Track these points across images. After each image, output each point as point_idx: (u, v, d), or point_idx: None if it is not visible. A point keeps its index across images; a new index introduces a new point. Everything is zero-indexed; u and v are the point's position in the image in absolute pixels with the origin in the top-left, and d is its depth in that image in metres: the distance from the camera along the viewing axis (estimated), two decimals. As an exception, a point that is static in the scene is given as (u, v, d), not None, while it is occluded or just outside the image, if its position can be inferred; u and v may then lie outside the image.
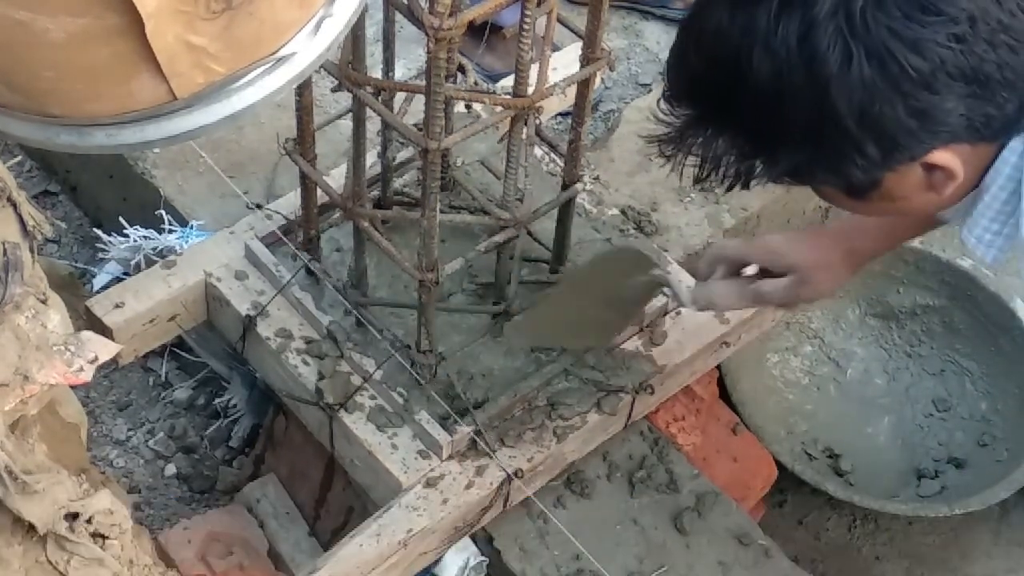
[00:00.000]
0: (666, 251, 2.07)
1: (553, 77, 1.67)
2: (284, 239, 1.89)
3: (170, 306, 1.86)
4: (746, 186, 1.24)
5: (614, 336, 1.85)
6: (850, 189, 1.24)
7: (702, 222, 2.19)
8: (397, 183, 1.94)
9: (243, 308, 1.85)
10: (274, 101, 1.20)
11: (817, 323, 2.38)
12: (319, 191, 1.78)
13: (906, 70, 1.11)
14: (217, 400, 2.19)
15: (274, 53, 1.17)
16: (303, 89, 1.66)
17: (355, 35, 1.56)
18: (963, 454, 2.27)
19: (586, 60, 1.65)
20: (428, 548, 1.74)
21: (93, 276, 2.23)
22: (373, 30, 1.89)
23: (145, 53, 1.08)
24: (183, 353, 2.22)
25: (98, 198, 2.41)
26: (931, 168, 1.19)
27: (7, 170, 1.15)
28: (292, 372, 1.80)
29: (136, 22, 1.06)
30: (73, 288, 2.14)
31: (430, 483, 1.72)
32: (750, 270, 1.64)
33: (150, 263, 1.97)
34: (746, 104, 1.17)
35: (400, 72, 1.94)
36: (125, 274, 2.05)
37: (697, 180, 1.26)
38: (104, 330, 1.79)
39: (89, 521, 1.16)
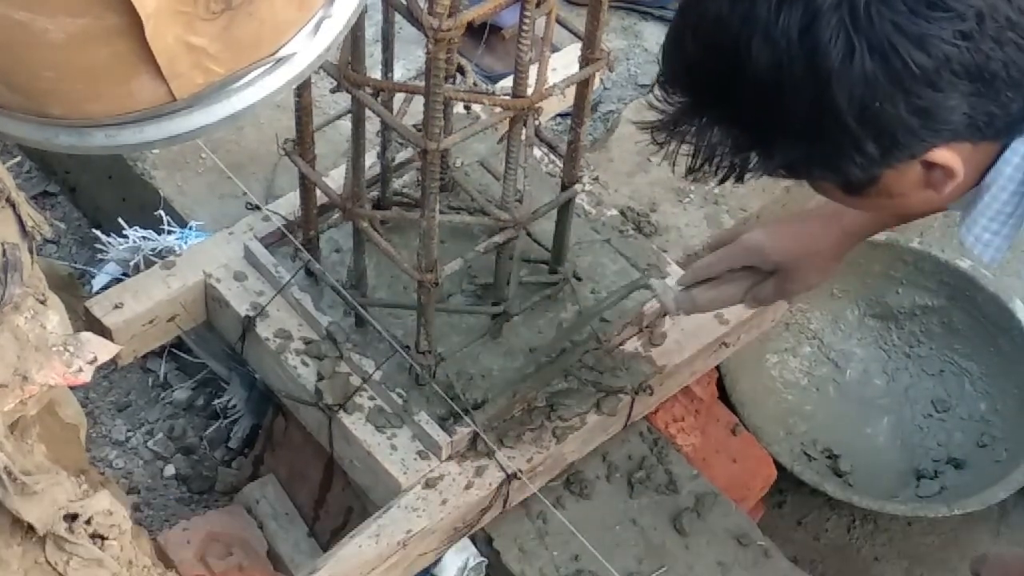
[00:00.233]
0: (665, 251, 2.07)
1: (552, 78, 1.67)
2: (289, 235, 1.89)
3: (169, 307, 1.86)
4: (740, 179, 1.21)
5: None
6: (847, 186, 1.22)
7: (701, 223, 2.19)
8: (396, 184, 1.94)
9: (242, 309, 1.85)
10: (273, 102, 1.20)
11: (816, 324, 2.38)
12: (318, 192, 1.78)
13: (909, 66, 1.09)
14: (216, 401, 2.19)
15: (273, 54, 1.17)
16: (302, 90, 1.66)
17: (354, 36, 1.56)
18: (962, 454, 2.27)
19: (585, 61, 1.65)
20: (427, 549, 1.74)
21: (92, 277, 2.23)
22: (372, 31, 1.89)
23: (144, 54, 1.08)
24: (182, 354, 2.22)
25: (97, 199, 2.41)
26: (931, 166, 1.18)
27: (6, 170, 1.15)
28: (291, 373, 1.80)
29: (135, 23, 1.06)
30: (72, 289, 2.14)
31: (429, 484, 1.72)
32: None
33: (149, 264, 1.96)
34: (743, 94, 1.15)
35: (399, 73, 1.94)
36: (124, 275, 2.05)
37: (690, 171, 1.23)
38: (103, 331, 1.79)
39: (88, 522, 1.15)
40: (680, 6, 1.22)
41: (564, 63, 2.14)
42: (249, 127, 2.19)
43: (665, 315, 1.90)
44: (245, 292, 1.87)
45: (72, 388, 1.44)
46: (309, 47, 1.19)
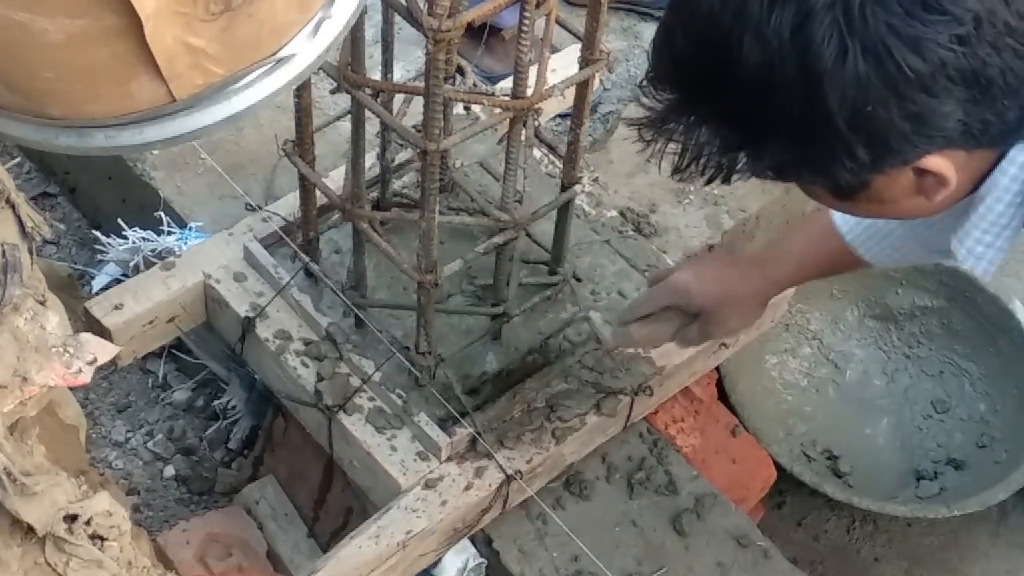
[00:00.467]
0: (665, 252, 2.07)
1: (552, 79, 1.66)
2: (286, 238, 1.89)
3: (169, 308, 1.86)
4: (727, 180, 1.18)
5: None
6: (837, 190, 1.19)
7: (701, 223, 2.19)
8: (396, 184, 1.94)
9: (242, 310, 1.85)
10: (273, 103, 1.20)
11: (816, 325, 2.38)
12: (318, 193, 1.78)
13: (903, 70, 1.06)
14: (216, 402, 2.19)
15: (273, 54, 1.17)
16: (302, 91, 1.66)
17: (354, 37, 1.56)
18: (962, 455, 2.27)
19: (585, 62, 1.65)
20: (427, 549, 1.74)
21: (92, 277, 2.23)
22: (372, 32, 1.89)
23: (144, 54, 1.08)
24: (182, 355, 2.22)
25: (97, 199, 2.41)
26: (923, 173, 1.15)
27: (6, 171, 1.15)
28: (291, 373, 1.80)
29: (135, 23, 1.06)
30: (72, 290, 2.14)
31: (429, 484, 1.72)
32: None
33: (149, 265, 1.96)
34: (732, 92, 1.12)
35: (399, 74, 1.94)
36: (124, 275, 2.05)
37: (676, 170, 1.19)
38: (103, 332, 1.79)
39: (88, 523, 1.15)
40: (671, 1, 1.19)
41: (564, 64, 2.14)
42: (249, 128, 2.19)
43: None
44: (245, 293, 1.87)
45: (72, 389, 1.44)
46: (309, 48, 1.19)
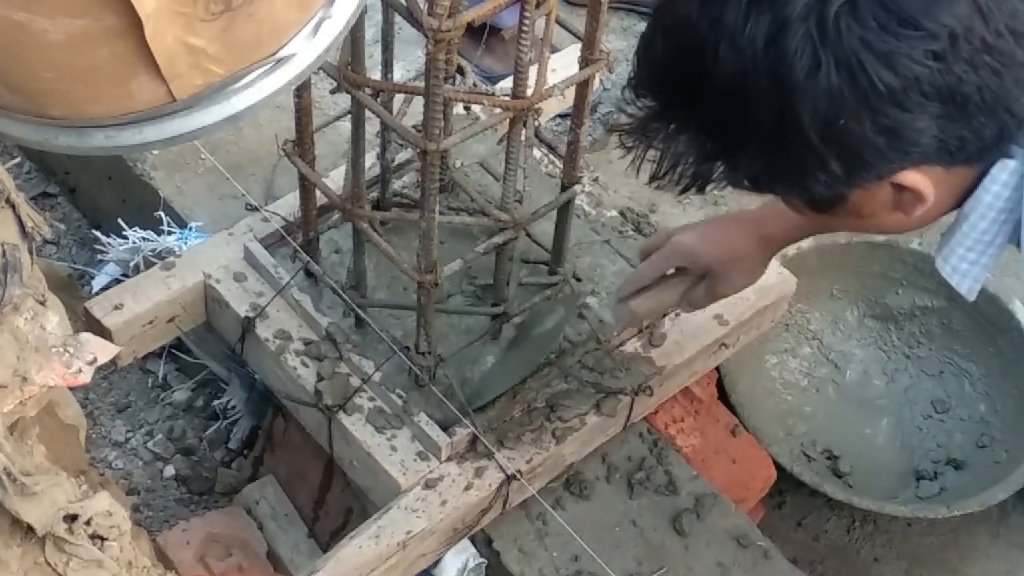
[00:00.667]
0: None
1: (552, 79, 1.66)
2: (287, 237, 1.89)
3: (169, 307, 1.86)
4: (701, 190, 1.18)
5: (536, 364, 1.85)
6: (813, 202, 1.18)
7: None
8: (396, 184, 1.94)
9: (242, 310, 1.85)
10: (273, 102, 1.20)
11: (816, 324, 2.38)
12: (318, 192, 1.78)
13: (876, 84, 1.05)
14: (216, 402, 2.19)
15: (273, 54, 1.17)
16: (302, 91, 1.66)
17: (354, 36, 1.56)
18: (962, 455, 2.27)
19: (585, 62, 1.65)
20: (427, 550, 1.74)
21: (92, 277, 2.23)
22: (372, 31, 1.89)
23: (144, 54, 1.08)
24: (182, 355, 2.22)
25: (97, 199, 2.41)
26: (900, 188, 1.14)
27: (6, 171, 1.15)
28: (291, 373, 1.80)
29: (135, 23, 1.06)
30: (72, 289, 2.14)
31: (429, 484, 1.72)
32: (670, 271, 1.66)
33: (149, 264, 1.97)
34: (708, 102, 1.11)
35: (399, 74, 1.94)
36: (124, 275, 2.05)
37: (653, 177, 1.20)
38: (103, 331, 1.79)
39: (88, 523, 1.15)
40: (654, 7, 1.19)
41: (564, 64, 2.14)
42: (249, 128, 2.19)
43: (665, 316, 1.90)
44: (245, 293, 1.87)
45: (72, 389, 1.44)
46: (309, 48, 1.19)
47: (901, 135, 1.08)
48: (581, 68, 1.66)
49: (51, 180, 2.52)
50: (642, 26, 2.61)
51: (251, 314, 1.84)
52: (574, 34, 1.68)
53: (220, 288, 1.87)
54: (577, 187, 1.80)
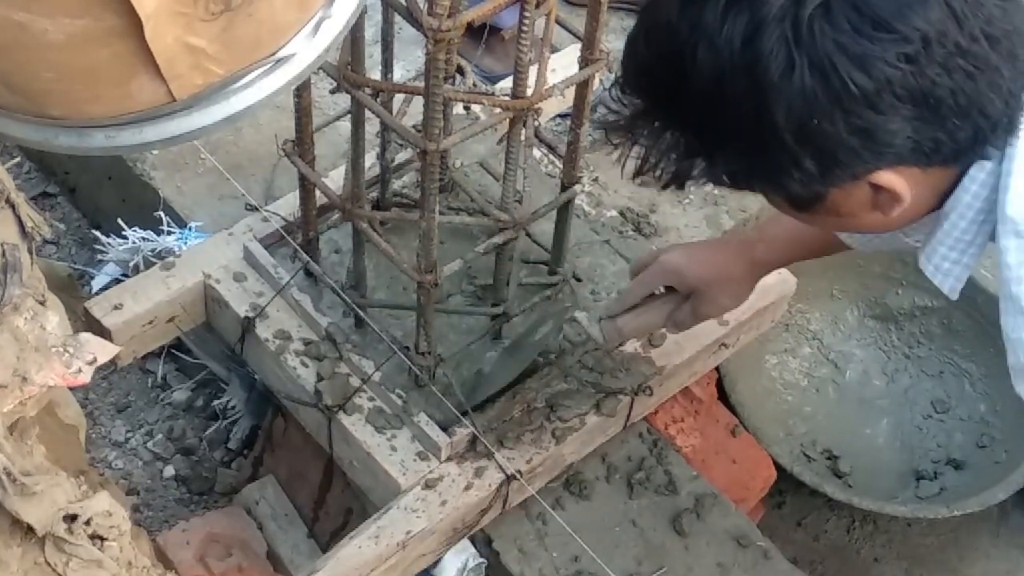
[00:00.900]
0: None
1: (552, 78, 1.67)
2: (287, 237, 1.89)
3: (169, 307, 1.86)
4: (681, 186, 1.20)
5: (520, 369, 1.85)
6: (792, 201, 1.20)
7: (701, 223, 2.19)
8: (396, 184, 1.94)
9: (242, 310, 1.85)
10: (273, 102, 1.20)
11: (816, 325, 2.38)
12: (318, 192, 1.78)
13: (848, 86, 1.06)
14: (216, 402, 2.19)
15: (273, 54, 1.17)
16: (302, 90, 1.66)
17: (354, 36, 1.56)
18: (962, 455, 2.27)
19: (585, 62, 1.65)
20: (427, 550, 1.74)
21: (92, 277, 2.23)
22: (372, 31, 1.89)
23: (144, 54, 1.08)
24: (182, 355, 2.22)
25: (97, 199, 2.41)
26: (878, 188, 1.15)
27: (6, 171, 1.15)
28: (291, 373, 1.80)
29: (135, 23, 1.06)
30: (72, 289, 2.14)
31: (429, 485, 1.72)
32: (657, 290, 1.68)
33: (149, 264, 1.97)
34: (689, 102, 1.14)
35: (399, 74, 1.94)
36: (124, 275, 2.05)
37: (636, 173, 1.22)
38: (103, 331, 1.79)
39: (88, 523, 1.15)
40: (640, 8, 1.21)
41: (564, 64, 2.14)
42: (248, 128, 2.19)
43: None
44: (244, 293, 1.86)
45: (72, 389, 1.44)
46: (308, 48, 1.19)
47: (874, 136, 1.10)
48: (581, 68, 1.66)
49: (51, 180, 2.52)
50: (642, 26, 2.63)
51: (251, 314, 1.84)
52: (574, 34, 1.68)
53: (220, 288, 1.87)
54: (577, 187, 1.80)
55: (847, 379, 2.37)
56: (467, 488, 1.73)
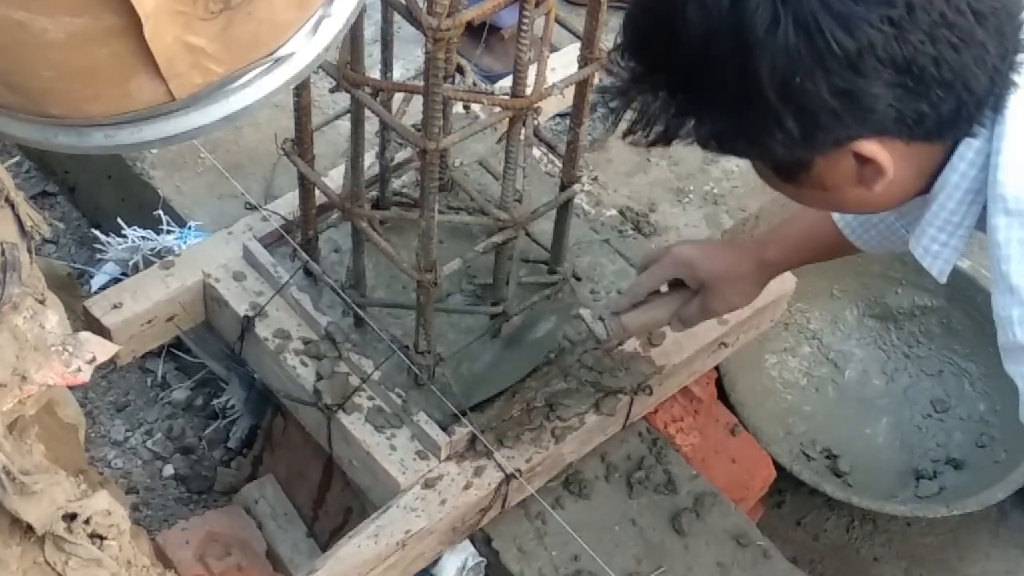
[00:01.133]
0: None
1: (551, 78, 1.67)
2: (287, 236, 1.89)
3: (168, 307, 1.86)
4: (667, 143, 1.21)
5: (526, 370, 1.85)
6: (777, 167, 1.22)
7: (700, 223, 2.19)
8: (395, 184, 1.94)
9: (241, 309, 1.85)
10: (272, 102, 1.20)
11: (815, 324, 2.38)
12: (317, 192, 1.78)
13: (831, 45, 1.08)
14: (215, 401, 2.19)
15: (272, 53, 1.17)
16: (301, 90, 1.66)
17: (353, 35, 1.56)
18: (961, 455, 2.27)
19: (584, 61, 1.65)
20: (426, 549, 1.74)
21: (91, 276, 2.23)
22: (371, 30, 1.89)
23: (143, 54, 1.08)
24: (181, 354, 2.22)
25: (96, 198, 2.41)
26: (863, 161, 1.16)
27: (5, 170, 1.15)
28: (290, 373, 1.80)
29: (134, 23, 1.06)
30: (71, 288, 2.14)
31: (428, 484, 1.72)
32: (664, 287, 1.68)
33: (148, 264, 1.96)
34: (680, 62, 1.15)
35: (398, 73, 1.94)
36: (123, 275, 2.05)
37: (627, 133, 1.23)
38: (102, 331, 1.79)
39: (87, 522, 1.15)
40: None
41: (563, 63, 2.14)
42: (248, 127, 2.19)
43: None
44: (244, 292, 1.86)
45: (71, 388, 1.44)
46: (308, 47, 1.19)
47: (856, 99, 1.11)
48: (580, 67, 1.66)
49: (50, 179, 2.52)
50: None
51: (250, 313, 1.84)
52: (573, 33, 1.68)
53: (219, 287, 1.87)
54: (576, 186, 1.80)
55: (846, 378, 2.37)
56: (466, 487, 1.73)
